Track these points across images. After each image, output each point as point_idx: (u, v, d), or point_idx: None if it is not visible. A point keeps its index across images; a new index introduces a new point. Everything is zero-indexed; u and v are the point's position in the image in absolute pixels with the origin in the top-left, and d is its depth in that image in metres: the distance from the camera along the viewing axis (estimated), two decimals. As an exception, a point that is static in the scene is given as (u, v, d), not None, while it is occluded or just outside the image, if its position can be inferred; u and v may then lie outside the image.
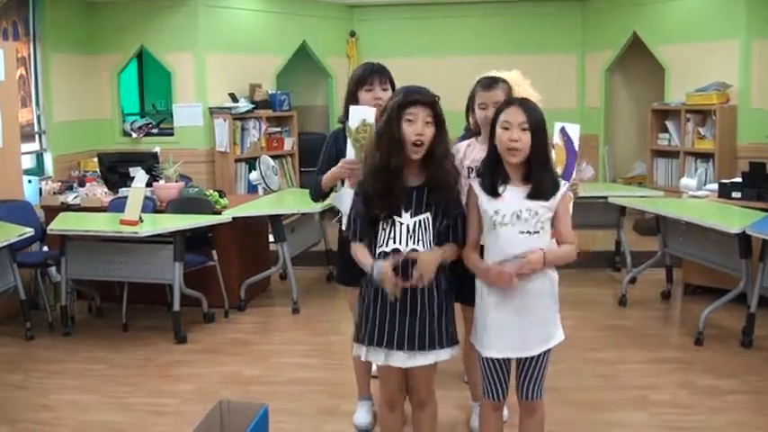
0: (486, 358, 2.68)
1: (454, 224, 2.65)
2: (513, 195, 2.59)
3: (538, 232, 2.58)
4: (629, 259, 5.97)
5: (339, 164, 3.07)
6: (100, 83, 7.78)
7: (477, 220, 2.67)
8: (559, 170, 2.82)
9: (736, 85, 6.74)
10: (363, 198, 2.62)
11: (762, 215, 4.56)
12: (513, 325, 2.61)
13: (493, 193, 2.61)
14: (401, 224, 2.58)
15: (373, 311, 2.63)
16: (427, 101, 2.55)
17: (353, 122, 3.00)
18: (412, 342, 2.59)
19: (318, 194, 3.34)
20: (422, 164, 2.60)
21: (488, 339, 2.65)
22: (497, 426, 2.87)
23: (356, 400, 3.61)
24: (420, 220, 2.58)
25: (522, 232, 2.56)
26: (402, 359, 2.62)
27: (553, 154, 2.75)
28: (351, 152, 3.01)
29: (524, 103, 2.60)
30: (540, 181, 2.57)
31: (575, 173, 3.04)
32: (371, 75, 3.20)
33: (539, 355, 2.65)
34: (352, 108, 3.04)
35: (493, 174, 2.63)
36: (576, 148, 2.87)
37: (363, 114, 2.99)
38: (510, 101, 2.66)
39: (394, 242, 2.59)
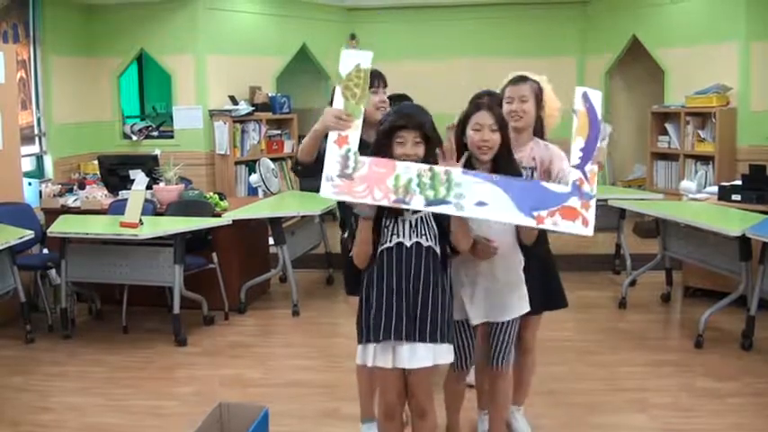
0: (458, 325, 2.90)
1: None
2: None
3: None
4: (629, 262, 5.97)
5: (325, 112, 2.71)
6: (100, 85, 7.79)
7: None
8: (581, 142, 2.59)
9: (735, 88, 6.74)
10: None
11: (761, 218, 4.56)
12: (489, 295, 2.89)
13: None
14: (404, 221, 2.65)
15: (377, 304, 2.65)
16: (414, 125, 2.60)
17: (345, 68, 2.63)
18: (415, 330, 2.62)
19: (297, 163, 3.16)
20: None
21: (467, 306, 2.89)
22: (460, 395, 3.14)
23: (359, 403, 3.58)
24: (422, 217, 2.65)
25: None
26: (406, 356, 2.64)
27: (575, 121, 2.61)
28: (339, 102, 2.65)
29: (492, 108, 2.81)
30: (506, 173, 2.73)
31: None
32: (374, 78, 3.17)
33: (507, 325, 2.98)
34: (345, 52, 2.68)
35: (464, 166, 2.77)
36: (600, 117, 2.64)
37: (358, 59, 2.64)
38: (479, 105, 2.82)
39: (397, 237, 2.66)
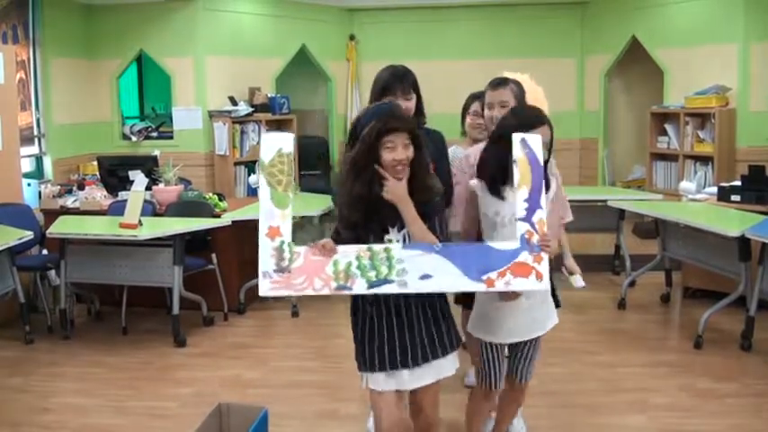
0: (489, 346, 2.82)
1: (431, 226, 2.54)
2: (513, 197, 2.66)
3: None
4: (629, 262, 5.97)
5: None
6: (99, 86, 7.79)
7: (475, 215, 2.75)
8: (525, 192, 2.48)
9: (734, 89, 6.75)
10: (351, 227, 2.52)
11: (761, 218, 4.56)
12: (523, 312, 2.77)
13: (498, 194, 2.70)
14: (389, 240, 2.52)
15: (369, 335, 2.57)
16: (405, 127, 2.46)
17: (267, 154, 2.50)
18: (416, 356, 2.55)
19: None
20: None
21: (499, 327, 2.79)
22: (484, 414, 3.05)
23: (359, 404, 3.60)
24: (408, 233, 2.52)
25: None
26: (407, 379, 2.57)
27: (516, 171, 2.51)
28: (265, 191, 2.50)
29: (550, 123, 2.70)
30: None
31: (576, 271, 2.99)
32: (394, 84, 3.14)
33: (535, 340, 2.89)
34: (265, 136, 2.59)
35: (501, 176, 2.70)
36: (540, 161, 2.54)
37: (279, 143, 2.51)
38: (542, 120, 2.69)
39: None
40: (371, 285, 2.43)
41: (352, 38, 8.88)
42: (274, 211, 2.47)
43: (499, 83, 3.08)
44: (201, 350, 4.74)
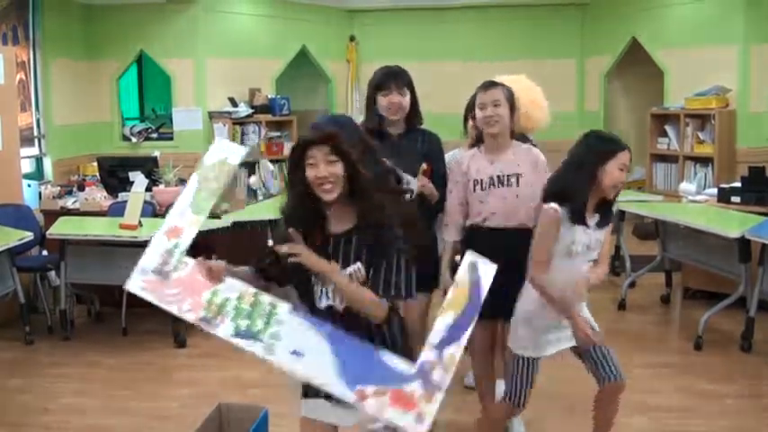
0: (524, 361, 2.81)
1: (375, 271, 2.15)
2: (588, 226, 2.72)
3: (596, 259, 2.81)
4: (629, 263, 5.96)
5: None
6: (99, 87, 7.79)
7: (553, 244, 2.72)
8: (451, 317, 2.01)
9: (734, 90, 6.76)
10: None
11: (761, 219, 4.56)
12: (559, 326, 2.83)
13: (583, 222, 2.69)
14: (315, 283, 2.29)
15: None
16: (322, 139, 2.14)
17: (210, 157, 2.31)
18: None
19: None
20: (349, 204, 2.21)
21: (545, 340, 2.81)
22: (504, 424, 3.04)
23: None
24: (350, 273, 2.19)
25: (588, 261, 2.77)
26: (336, 416, 2.34)
27: (450, 293, 2.05)
28: (190, 190, 2.30)
29: (628, 146, 2.72)
30: (610, 211, 2.76)
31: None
32: (388, 79, 3.20)
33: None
34: (218, 140, 2.41)
35: (583, 203, 2.68)
36: (482, 297, 2.04)
37: (227, 153, 2.32)
38: (623, 146, 2.69)
39: (327, 298, 2.29)
40: (237, 334, 2.17)
41: (352, 39, 8.88)
42: (186, 213, 2.30)
43: (490, 85, 3.10)
44: (202, 351, 4.74)
